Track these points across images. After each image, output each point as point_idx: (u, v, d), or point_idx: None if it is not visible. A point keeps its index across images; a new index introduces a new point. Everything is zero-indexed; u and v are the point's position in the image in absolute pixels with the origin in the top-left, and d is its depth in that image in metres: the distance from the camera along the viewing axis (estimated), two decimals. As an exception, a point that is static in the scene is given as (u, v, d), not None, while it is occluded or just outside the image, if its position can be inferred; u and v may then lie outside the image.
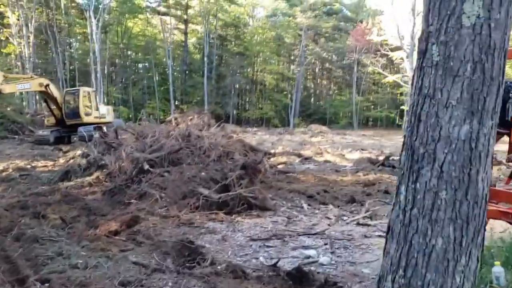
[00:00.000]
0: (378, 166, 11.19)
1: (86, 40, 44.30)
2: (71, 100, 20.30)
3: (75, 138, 20.01)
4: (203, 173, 6.41)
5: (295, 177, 9.46)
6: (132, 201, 6.15)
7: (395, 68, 45.07)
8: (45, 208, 6.40)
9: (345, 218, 5.84)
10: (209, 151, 7.59)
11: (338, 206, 7.05)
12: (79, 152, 12.19)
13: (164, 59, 50.58)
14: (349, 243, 4.69)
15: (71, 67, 45.64)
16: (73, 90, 21.75)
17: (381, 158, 14.49)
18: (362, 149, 18.17)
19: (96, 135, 13.31)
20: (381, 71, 40.46)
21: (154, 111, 49.35)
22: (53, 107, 20.00)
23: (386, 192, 8.12)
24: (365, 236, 4.99)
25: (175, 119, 11.23)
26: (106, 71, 49.54)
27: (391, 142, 25.50)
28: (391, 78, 38.09)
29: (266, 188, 8.10)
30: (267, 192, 7.44)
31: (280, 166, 11.43)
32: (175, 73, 53.71)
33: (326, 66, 62.92)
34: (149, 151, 7.43)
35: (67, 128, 19.96)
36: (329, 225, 5.46)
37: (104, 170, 8.54)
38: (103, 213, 6.09)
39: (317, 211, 6.17)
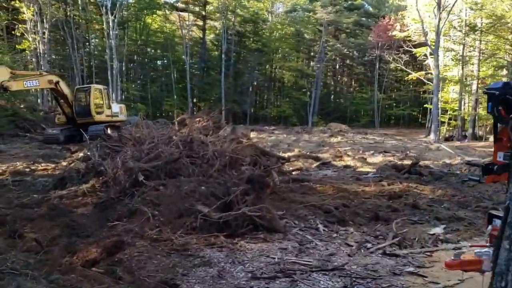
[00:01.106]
0: (404, 174, 10.18)
1: (104, 37, 44.02)
2: (82, 98, 19.73)
3: (88, 137, 19.40)
4: (203, 187, 5.56)
5: (311, 187, 8.54)
6: (118, 221, 5.33)
7: (418, 65, 43.50)
8: (25, 224, 5.69)
9: (368, 245, 4.91)
10: (213, 160, 6.75)
11: (360, 225, 6.13)
12: (81, 155, 11.52)
13: (183, 56, 50.04)
14: (374, 285, 3.77)
15: (91, 63, 45.52)
16: (84, 87, 21.21)
17: (405, 162, 13.48)
18: (385, 152, 17.13)
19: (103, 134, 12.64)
20: (404, 68, 39.00)
21: (172, 109, 48.80)
22: (64, 105, 19.48)
23: (415, 206, 7.16)
24: (394, 273, 4.06)
25: (181, 121, 10.40)
26: (124, 68, 49.34)
27: (415, 143, 24.30)
28: (414, 75, 36.62)
29: (278, 201, 7.23)
30: (278, 207, 6.57)
31: (295, 173, 10.53)
32: (193, 70, 53.13)
33: (347, 62, 61.51)
34: (145, 160, 6.63)
35: (78, 126, 19.36)
36: (349, 255, 4.55)
37: (101, 178, 7.78)
38: (88, 233, 5.31)
39: (335, 235, 5.25)
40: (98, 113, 19.56)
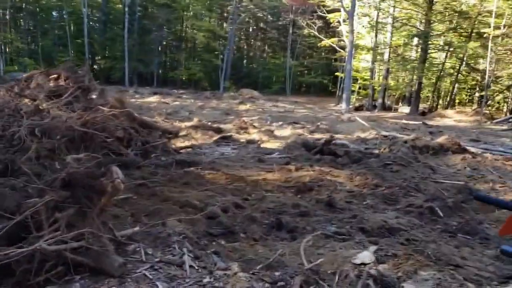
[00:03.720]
0: (316, 154, 8.42)
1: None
2: None
3: None
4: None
5: (199, 174, 6.41)
6: None
7: (331, 32, 42.70)
8: None
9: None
10: (33, 140, 4.29)
11: (255, 241, 4.18)
12: None
13: (83, 9, 44.53)
14: None
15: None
16: None
17: (317, 136, 11.91)
18: (295, 123, 15.50)
19: None
20: (317, 34, 37.85)
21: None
22: None
23: (330, 205, 5.35)
24: None
25: (29, 78, 7.63)
26: (8, 17, 42.98)
27: (326, 113, 23.21)
28: (327, 41, 35.60)
29: (146, 198, 5.07)
30: (138, 211, 4.39)
31: (184, 151, 8.32)
32: (92, 24, 47.87)
33: (260, 26, 59.44)
34: None
35: None
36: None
37: None
38: None
39: (206, 279, 3.15)
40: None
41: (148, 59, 46.72)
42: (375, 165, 7.66)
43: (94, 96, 8.20)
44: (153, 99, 24.73)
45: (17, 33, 44.63)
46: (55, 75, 7.91)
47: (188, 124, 12.40)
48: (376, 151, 9.10)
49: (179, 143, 9.31)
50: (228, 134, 10.89)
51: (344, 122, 17.31)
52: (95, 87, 8.52)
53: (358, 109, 29.31)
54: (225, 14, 55.06)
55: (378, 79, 31.09)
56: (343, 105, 26.61)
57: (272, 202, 5.32)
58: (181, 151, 8.18)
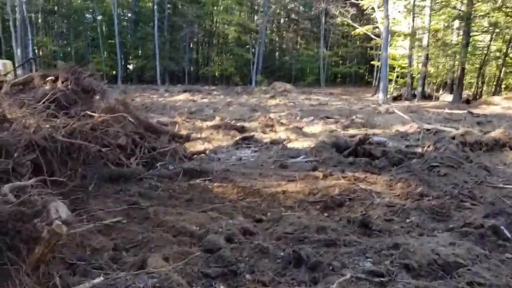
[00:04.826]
0: (348, 156, 7.28)
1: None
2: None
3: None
4: None
5: (206, 187, 5.43)
6: None
7: (365, 20, 40.79)
8: None
9: None
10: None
11: (264, 286, 3.16)
12: None
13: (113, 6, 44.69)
14: None
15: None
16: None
17: (350, 132, 10.74)
18: (327, 117, 14.30)
19: None
20: (350, 22, 36.20)
21: (100, 67, 43.90)
22: None
23: (364, 225, 4.25)
24: None
25: (26, 82, 6.91)
26: (40, 21, 43.61)
27: (362, 104, 21.80)
28: (361, 29, 33.94)
29: (137, 223, 4.18)
30: (122, 243, 3.47)
31: (196, 157, 7.36)
32: (123, 23, 47.97)
33: (292, 17, 58.01)
34: None
35: None
36: None
37: None
38: None
39: None
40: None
41: (179, 57, 46.38)
42: (419, 168, 6.45)
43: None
44: (182, 97, 24.10)
45: (51, 36, 45.26)
46: (52, 77, 7.13)
47: (210, 123, 11.49)
48: (419, 150, 7.86)
49: (198, 145, 8.42)
50: (251, 134, 9.87)
51: (382, 114, 15.96)
52: (101, 88, 7.71)
53: (396, 98, 27.64)
54: (256, 7, 53.89)
55: (417, 66, 29.16)
56: (380, 95, 25.06)
57: (291, 225, 4.28)
58: (194, 156, 7.24)
